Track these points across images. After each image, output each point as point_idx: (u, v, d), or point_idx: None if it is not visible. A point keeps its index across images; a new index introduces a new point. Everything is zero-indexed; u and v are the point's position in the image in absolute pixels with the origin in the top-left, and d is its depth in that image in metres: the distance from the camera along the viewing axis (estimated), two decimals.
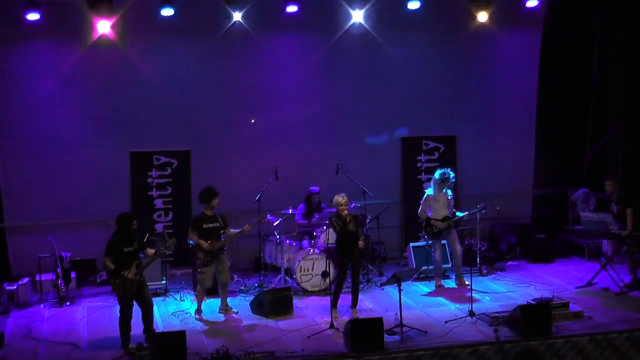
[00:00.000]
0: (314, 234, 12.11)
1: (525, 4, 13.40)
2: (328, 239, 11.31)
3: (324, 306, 10.92)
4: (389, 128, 14.10)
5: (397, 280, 9.70)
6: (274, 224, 12.05)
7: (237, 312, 10.86)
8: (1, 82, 12.65)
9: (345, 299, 10.71)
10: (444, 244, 12.23)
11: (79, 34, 12.43)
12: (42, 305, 11.45)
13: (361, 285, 11.86)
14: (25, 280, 11.68)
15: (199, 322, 10.55)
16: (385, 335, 9.32)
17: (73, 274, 11.96)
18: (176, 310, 11.09)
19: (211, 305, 11.07)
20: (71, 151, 12.95)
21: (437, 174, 11.91)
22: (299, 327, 10.13)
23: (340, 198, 10.54)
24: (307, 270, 11.70)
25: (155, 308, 9.99)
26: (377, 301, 11.33)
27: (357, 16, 13.08)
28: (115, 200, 12.82)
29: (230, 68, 13.35)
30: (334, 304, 10.43)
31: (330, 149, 13.40)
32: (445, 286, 12.02)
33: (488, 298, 11.30)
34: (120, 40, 12.54)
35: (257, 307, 10.86)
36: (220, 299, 10.94)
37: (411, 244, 12.91)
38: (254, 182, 12.41)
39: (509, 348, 9.29)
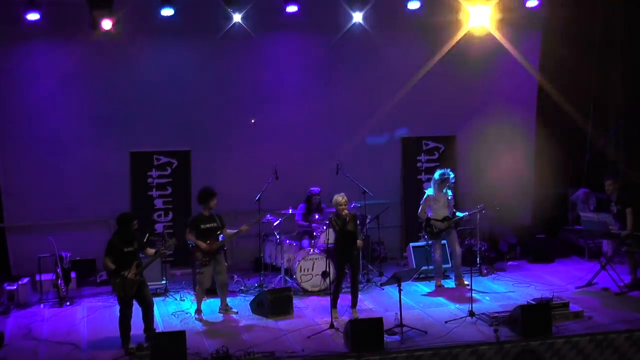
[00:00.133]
0: (314, 234, 12.12)
1: (525, 4, 13.39)
2: (328, 239, 11.31)
3: (324, 306, 10.92)
4: (389, 128, 14.10)
5: (397, 280, 9.71)
6: (274, 224, 12.05)
7: (237, 312, 10.87)
8: (1, 82, 12.64)
9: (345, 299, 10.71)
10: (444, 244, 12.23)
11: (79, 34, 12.40)
12: (42, 305, 11.46)
13: (361, 285, 11.88)
14: (25, 280, 11.69)
15: (199, 322, 10.55)
16: (385, 335, 9.33)
17: (73, 274, 11.96)
18: (176, 310, 11.10)
19: (211, 305, 11.07)
20: (71, 151, 12.96)
21: (436, 175, 11.91)
22: (299, 327, 10.13)
23: (340, 198, 10.54)
24: (307, 270, 11.70)
25: (155, 308, 9.99)
26: (377, 301, 11.33)
27: (357, 16, 13.06)
28: (115, 200, 12.83)
29: (231, 68, 13.35)
30: (333, 304, 10.43)
31: (330, 149, 13.39)
32: (445, 286, 12.02)
33: (488, 298, 11.30)
34: (120, 40, 12.51)
35: (257, 307, 10.86)
36: (219, 299, 10.93)
37: (411, 244, 12.91)
38: (254, 182, 12.40)
39: (509, 348, 9.29)
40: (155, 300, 10.53)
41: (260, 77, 13.51)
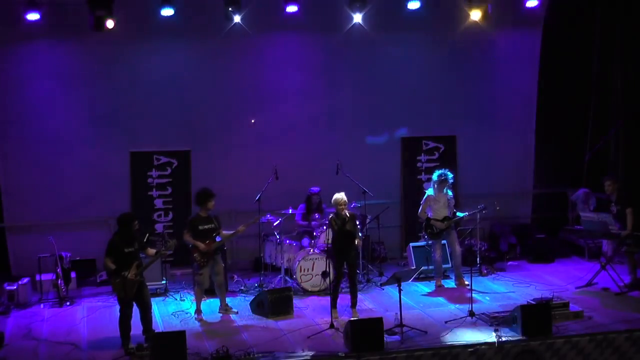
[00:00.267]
0: (314, 234, 12.12)
1: (525, 3, 13.39)
2: (328, 239, 11.31)
3: (324, 306, 10.93)
4: (389, 128, 14.10)
5: (397, 280, 9.70)
6: (274, 224, 12.05)
7: (237, 312, 10.86)
8: (1, 82, 12.65)
9: (345, 299, 10.71)
10: (444, 244, 12.23)
11: (79, 34, 12.42)
12: (42, 305, 11.46)
13: (361, 285, 11.89)
14: (25, 280, 11.68)
15: (199, 322, 10.55)
16: (385, 335, 9.32)
17: (73, 274, 11.96)
18: (176, 310, 11.09)
19: (211, 305, 11.07)
20: (71, 151, 12.96)
21: (435, 175, 11.91)
22: (299, 327, 10.13)
23: (340, 197, 10.53)
24: (307, 270, 11.70)
25: (155, 308, 10.00)
26: (377, 301, 11.33)
27: (357, 16, 13.06)
28: (115, 200, 12.84)
29: (231, 68, 13.36)
30: (333, 304, 10.43)
31: (330, 149, 13.40)
32: (445, 286, 12.02)
33: (488, 298, 11.30)
34: (121, 40, 12.53)
35: (257, 307, 10.86)
36: (219, 299, 10.94)
37: (411, 244, 12.91)
38: (254, 182, 12.41)
39: (509, 348, 9.29)
40: (155, 300, 10.55)
41: (260, 77, 13.52)
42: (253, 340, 9.66)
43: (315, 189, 12.45)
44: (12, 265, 12.72)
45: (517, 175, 14.64)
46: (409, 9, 13.11)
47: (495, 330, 9.45)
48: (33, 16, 11.93)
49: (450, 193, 11.95)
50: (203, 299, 10.92)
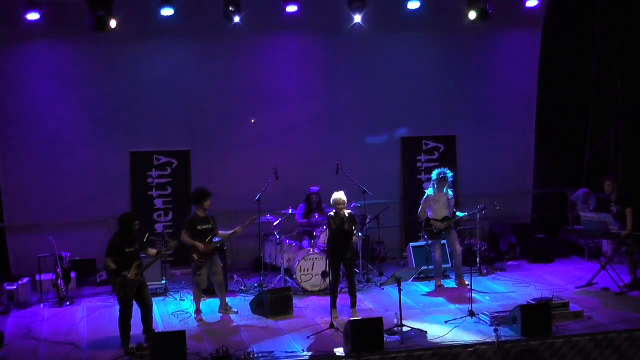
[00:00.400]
0: (314, 234, 12.11)
1: (525, 3, 13.38)
2: (328, 239, 11.29)
3: (324, 306, 10.92)
4: (389, 128, 14.10)
5: (397, 280, 9.70)
6: (274, 224, 12.05)
7: (237, 312, 10.86)
8: (1, 82, 12.66)
9: (345, 299, 10.70)
10: (444, 244, 12.23)
11: (79, 34, 12.42)
12: (42, 305, 11.45)
13: (361, 285, 11.90)
14: (25, 280, 11.68)
15: (199, 322, 10.54)
16: (385, 335, 9.31)
17: (73, 274, 11.95)
18: (176, 310, 11.09)
19: (211, 305, 11.07)
20: (71, 151, 12.96)
21: (434, 175, 11.91)
22: (299, 327, 10.13)
23: (339, 197, 10.52)
24: (307, 270, 11.70)
25: (155, 308, 9.99)
26: (377, 301, 11.32)
27: (357, 16, 13.05)
28: (115, 200, 12.84)
29: (231, 68, 13.36)
30: (333, 304, 10.42)
31: (330, 149, 13.40)
32: (445, 286, 12.02)
33: (488, 298, 11.30)
34: (121, 40, 12.53)
35: (257, 307, 10.86)
36: (219, 299, 10.94)
37: (411, 244, 12.91)
38: (254, 182, 12.41)
39: (509, 348, 9.29)
40: (155, 300, 10.54)
41: (260, 77, 13.52)
42: (253, 340, 9.66)
43: (315, 188, 12.45)
44: (12, 265, 12.73)
45: (517, 175, 14.64)
46: (409, 9, 13.10)
47: (495, 331, 9.45)
48: (33, 16, 11.93)
49: (450, 193, 11.94)
50: (203, 299, 10.92)
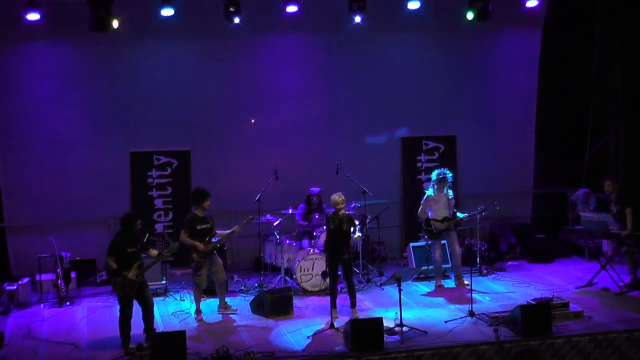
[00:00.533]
0: (314, 234, 12.12)
1: (525, 3, 13.39)
2: (325, 239, 11.29)
3: (324, 306, 10.92)
4: (389, 128, 14.11)
5: (397, 280, 9.70)
6: (274, 224, 12.05)
7: (236, 311, 10.86)
8: (1, 82, 12.66)
9: (345, 299, 10.69)
10: (443, 244, 12.22)
11: (79, 34, 12.41)
12: (42, 305, 11.45)
13: (361, 285, 11.91)
14: (25, 280, 11.68)
15: (199, 322, 10.54)
16: (385, 335, 9.32)
17: (73, 274, 11.95)
18: (176, 310, 11.09)
19: (211, 305, 11.07)
20: (71, 151, 12.96)
21: (433, 175, 11.91)
22: (299, 327, 10.13)
23: (337, 197, 10.51)
24: (307, 270, 11.70)
25: (155, 308, 9.98)
26: (377, 301, 11.32)
27: (357, 17, 13.05)
28: (115, 200, 12.85)
29: (230, 68, 13.36)
30: (333, 304, 10.42)
31: (330, 149, 13.40)
32: (445, 286, 12.02)
33: (488, 298, 11.30)
34: (121, 40, 12.52)
35: (257, 307, 10.86)
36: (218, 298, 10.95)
37: (411, 244, 12.91)
38: (254, 182, 12.41)
39: (509, 348, 9.29)
40: (155, 300, 10.52)
41: (260, 77, 13.52)
42: (253, 340, 9.66)
43: (315, 189, 12.45)
44: (12, 265, 12.72)
45: (517, 175, 14.64)
46: (409, 9, 13.11)
47: (495, 331, 9.45)
48: (33, 16, 11.93)
49: (450, 193, 11.94)
50: (203, 299, 10.91)
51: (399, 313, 9.66)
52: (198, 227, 10.62)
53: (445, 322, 10.10)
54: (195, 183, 12.63)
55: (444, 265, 12.21)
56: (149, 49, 13.07)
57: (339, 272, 10.67)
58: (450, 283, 12.17)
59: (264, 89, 13.51)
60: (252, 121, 13.35)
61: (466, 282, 11.52)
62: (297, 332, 9.96)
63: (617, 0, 13.88)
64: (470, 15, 13.04)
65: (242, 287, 12.11)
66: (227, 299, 11.05)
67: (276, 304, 10.64)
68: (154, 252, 9.99)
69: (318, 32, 13.51)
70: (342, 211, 10.46)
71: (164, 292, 11.83)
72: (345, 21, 13.12)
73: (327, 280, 11.17)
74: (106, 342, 9.74)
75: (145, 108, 13.11)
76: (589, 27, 14.27)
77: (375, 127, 14.04)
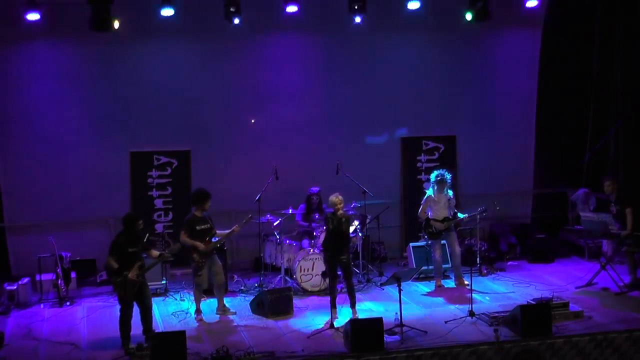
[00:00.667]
0: (314, 234, 12.12)
1: (525, 3, 13.39)
2: (324, 239, 11.28)
3: (324, 306, 10.92)
4: (389, 128, 14.11)
5: (397, 280, 9.70)
6: (274, 224, 12.05)
7: (235, 313, 10.85)
8: (1, 82, 12.66)
9: (345, 299, 10.69)
10: (443, 244, 12.22)
11: (79, 34, 12.41)
12: (42, 305, 11.45)
13: (361, 285, 11.91)
14: (25, 280, 11.68)
15: (199, 322, 10.54)
16: (385, 335, 9.32)
17: (73, 274, 11.95)
18: (176, 310, 11.09)
19: (211, 305, 11.06)
20: (71, 151, 12.97)
21: (432, 176, 11.90)
22: (299, 327, 10.13)
23: (335, 198, 10.49)
24: (307, 270, 11.70)
25: (155, 308, 10.00)
26: (377, 301, 11.32)
27: (357, 17, 13.05)
28: (115, 200, 12.85)
29: (230, 68, 13.36)
30: (332, 304, 10.42)
31: (330, 149, 13.41)
32: (445, 286, 12.02)
33: (488, 298, 11.30)
34: (121, 40, 12.52)
35: (257, 307, 10.86)
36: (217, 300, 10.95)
37: (411, 244, 12.91)
38: (254, 182, 12.41)
39: (509, 348, 9.29)
40: (155, 300, 10.55)
41: (260, 77, 13.52)
42: (253, 340, 9.66)
43: (315, 189, 12.45)
44: (12, 265, 12.72)
45: (517, 175, 14.64)
46: (409, 9, 13.11)
47: (495, 331, 9.45)
48: (33, 16, 11.93)
49: (450, 193, 11.93)
50: (203, 299, 10.91)
51: (399, 313, 9.66)
52: (198, 227, 10.61)
53: (445, 322, 10.10)
54: (195, 183, 12.64)
55: (444, 265, 12.21)
56: (149, 49, 13.08)
57: (339, 273, 10.67)
58: (450, 283, 12.17)
59: (264, 89, 13.51)
60: (252, 121, 13.35)
61: (466, 282, 11.52)
62: (297, 332, 9.96)
63: (617, 0, 13.88)
64: (469, 16, 13.05)
65: (242, 287, 12.11)
66: (226, 299, 11.04)
67: (276, 304, 10.64)
68: (155, 252, 9.99)
69: (318, 32, 13.51)
70: (340, 211, 10.45)
71: (164, 292, 11.83)
72: (345, 21, 13.13)
73: (327, 280, 11.18)
74: (106, 342, 9.74)
75: (145, 108, 13.11)
76: (589, 27, 14.27)
77: (375, 127, 14.04)
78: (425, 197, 12.01)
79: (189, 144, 13.29)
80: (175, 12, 12.24)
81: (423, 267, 11.97)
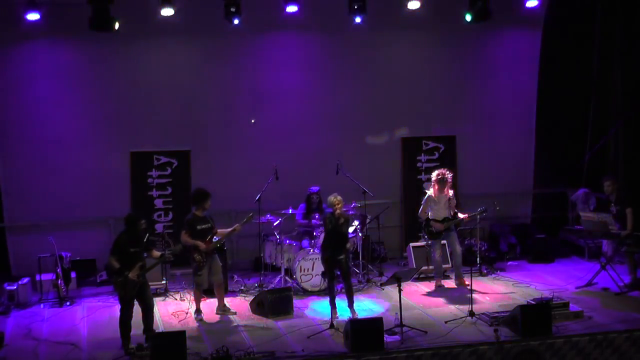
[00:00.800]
0: (314, 234, 12.12)
1: (525, 3, 13.39)
2: (323, 239, 11.28)
3: (324, 306, 10.91)
4: (389, 128, 14.11)
5: (397, 280, 9.70)
6: (274, 224, 12.05)
7: (235, 313, 10.85)
8: (1, 82, 12.66)
9: (345, 299, 10.70)
10: (443, 244, 12.22)
11: (79, 34, 12.41)
12: (42, 305, 11.45)
13: (361, 285, 11.91)
14: (25, 280, 11.68)
15: (199, 322, 10.54)
16: (385, 335, 9.32)
17: (73, 274, 11.95)
18: (176, 310, 11.08)
19: (211, 305, 11.06)
20: (71, 151, 12.96)
21: (433, 175, 11.90)
22: (299, 327, 10.13)
23: (333, 198, 10.49)
24: (307, 270, 11.70)
25: (155, 308, 9.98)
26: (377, 301, 11.32)
27: (357, 17, 13.04)
28: (115, 200, 12.86)
29: (231, 68, 13.36)
30: (332, 304, 10.43)
31: (330, 149, 13.40)
32: (445, 286, 12.02)
33: (488, 298, 11.30)
34: (121, 40, 12.53)
35: (257, 307, 10.86)
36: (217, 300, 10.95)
37: (411, 244, 12.91)
38: (254, 182, 12.41)
39: (509, 348, 9.29)
40: (155, 300, 10.53)
41: (260, 77, 13.52)
42: (253, 340, 9.66)
43: (315, 188, 12.45)
44: (12, 265, 12.72)
45: (517, 175, 14.64)
46: (409, 9, 13.11)
47: (495, 331, 9.45)
48: (33, 16, 11.93)
49: (450, 193, 11.92)
50: (203, 299, 10.91)
51: (399, 313, 9.66)
52: (198, 227, 10.62)
53: (445, 322, 10.10)
54: (195, 183, 12.64)
55: (444, 265, 12.21)
56: (149, 49, 13.08)
57: (337, 273, 10.67)
58: (450, 283, 12.16)
59: (264, 89, 13.51)
60: (252, 121, 13.34)
61: (466, 282, 11.52)
62: (297, 332, 9.96)
63: (617, 0, 13.88)
64: (468, 18, 13.05)
65: (242, 287, 12.11)
66: (226, 299, 11.03)
67: (276, 304, 10.64)
68: (156, 253, 9.99)
69: (318, 32, 13.52)
70: (338, 211, 10.45)
71: (164, 292, 11.83)
72: (345, 21, 13.12)
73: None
74: (106, 342, 9.74)
75: (145, 108, 13.11)
76: (589, 27, 14.27)
77: (375, 127, 14.04)
78: (426, 196, 12.01)
79: (189, 144, 13.29)
80: (175, 12, 12.24)
81: (423, 267, 11.92)
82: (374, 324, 9.26)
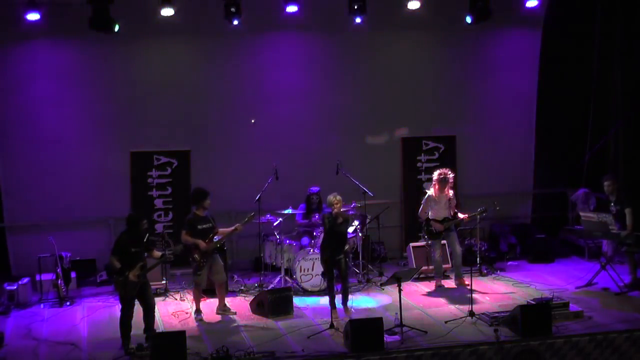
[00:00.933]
0: (314, 234, 12.12)
1: (525, 3, 13.39)
2: (322, 238, 11.28)
3: (324, 306, 10.91)
4: (389, 128, 14.11)
5: (397, 280, 9.70)
6: (274, 224, 12.05)
7: (235, 313, 10.85)
8: (1, 82, 12.66)
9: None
10: (443, 244, 12.22)
11: (79, 34, 12.41)
12: (42, 305, 11.45)
13: (361, 285, 11.90)
14: (25, 280, 11.68)
15: (199, 322, 10.54)
16: (385, 335, 9.32)
17: (73, 274, 11.96)
18: (176, 310, 11.08)
19: (211, 305, 11.06)
20: (71, 151, 12.96)
21: (435, 175, 11.90)
22: (299, 327, 10.13)
23: (332, 197, 10.51)
24: (307, 270, 11.70)
25: (155, 308, 9.98)
26: (377, 301, 11.32)
27: (357, 17, 13.04)
28: (115, 200, 12.85)
29: (231, 68, 13.36)
30: (332, 304, 10.42)
31: (330, 149, 13.41)
32: (445, 286, 12.02)
33: (488, 298, 11.29)
34: (121, 40, 12.52)
35: (257, 307, 10.85)
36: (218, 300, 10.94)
37: (411, 244, 12.91)
38: (254, 182, 12.41)
39: (509, 348, 9.29)
40: (155, 300, 10.52)
41: (260, 77, 13.53)
42: (253, 340, 9.66)
43: (315, 188, 12.45)
44: (12, 265, 12.73)
45: (517, 175, 14.64)
46: (409, 9, 13.11)
47: (495, 331, 9.45)
48: (33, 16, 11.93)
49: (451, 193, 11.92)
50: (202, 299, 10.91)
51: (399, 313, 9.66)
52: (199, 226, 10.62)
53: (445, 322, 10.10)
54: (195, 183, 12.64)
55: (444, 265, 12.21)
56: (149, 49, 13.09)
57: (337, 273, 10.68)
58: (450, 283, 12.16)
59: (264, 89, 13.51)
60: (252, 121, 13.34)
61: (466, 282, 11.51)
62: (297, 332, 9.96)
63: (617, 0, 13.88)
64: (468, 19, 13.06)
65: (242, 287, 12.11)
66: (227, 299, 11.03)
67: (276, 304, 10.64)
68: (157, 253, 9.98)
69: (318, 32, 13.52)
70: (336, 210, 10.44)
71: (164, 292, 11.83)
72: (346, 21, 13.12)
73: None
74: (106, 342, 9.73)
75: (145, 108, 13.12)
76: (589, 27, 14.28)
77: (375, 127, 14.04)
78: (426, 196, 12.01)
79: (189, 144, 13.29)
80: (175, 12, 12.24)
81: (423, 267, 11.91)
82: (374, 324, 9.25)
